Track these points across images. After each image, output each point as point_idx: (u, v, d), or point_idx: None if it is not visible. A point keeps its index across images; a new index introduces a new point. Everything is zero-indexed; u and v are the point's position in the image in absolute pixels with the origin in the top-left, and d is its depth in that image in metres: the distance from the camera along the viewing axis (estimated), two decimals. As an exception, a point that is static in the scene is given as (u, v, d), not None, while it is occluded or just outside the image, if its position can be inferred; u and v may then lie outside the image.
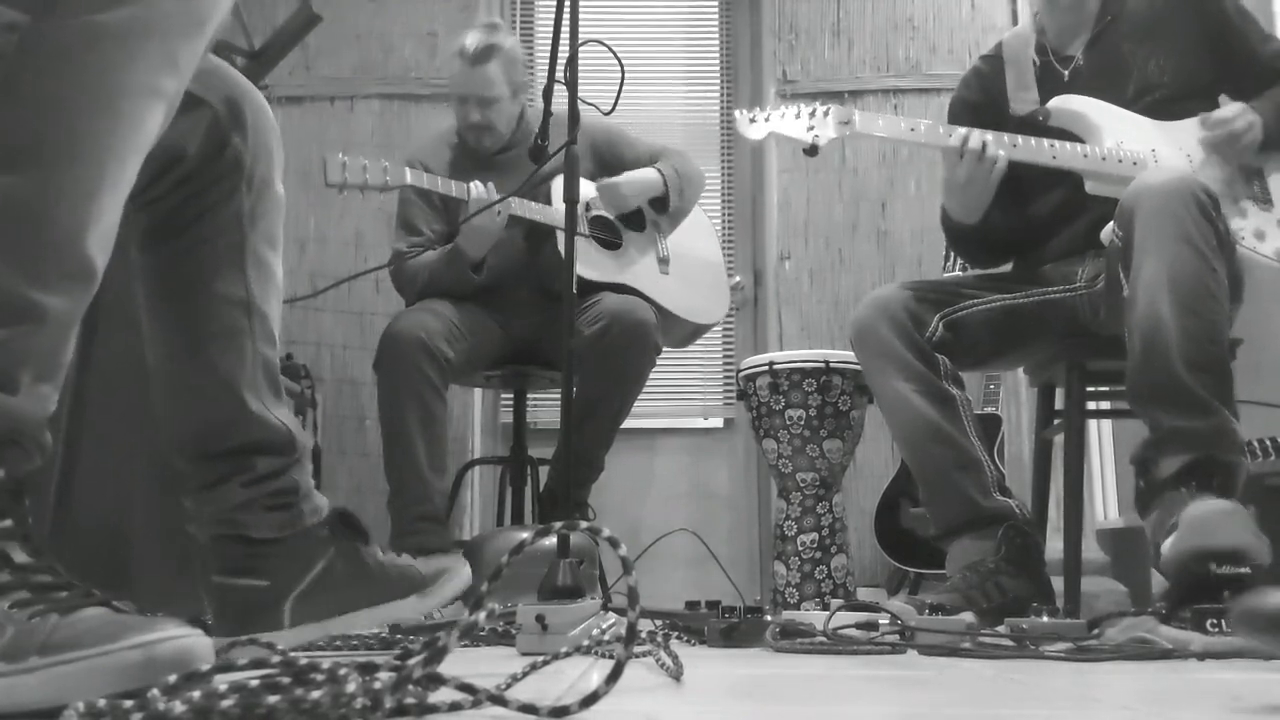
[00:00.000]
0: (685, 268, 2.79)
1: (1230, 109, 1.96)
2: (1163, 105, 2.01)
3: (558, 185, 2.63)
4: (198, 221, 1.22)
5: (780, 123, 1.94)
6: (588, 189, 2.66)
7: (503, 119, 2.68)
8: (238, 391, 1.25)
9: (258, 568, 1.28)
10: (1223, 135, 1.94)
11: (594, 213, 2.69)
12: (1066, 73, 2.11)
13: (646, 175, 2.71)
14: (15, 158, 0.81)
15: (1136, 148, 1.95)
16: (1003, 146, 1.94)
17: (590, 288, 2.55)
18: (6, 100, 0.80)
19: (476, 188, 2.49)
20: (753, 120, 1.96)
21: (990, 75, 2.21)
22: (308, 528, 1.31)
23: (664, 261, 2.75)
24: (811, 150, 1.91)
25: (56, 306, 0.83)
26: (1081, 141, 1.97)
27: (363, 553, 1.33)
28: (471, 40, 2.63)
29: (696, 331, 2.84)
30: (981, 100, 2.20)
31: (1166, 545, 1.54)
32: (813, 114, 1.92)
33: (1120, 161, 1.93)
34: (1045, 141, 1.96)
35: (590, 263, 2.60)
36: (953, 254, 3.05)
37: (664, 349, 2.62)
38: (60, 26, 0.82)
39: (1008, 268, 2.24)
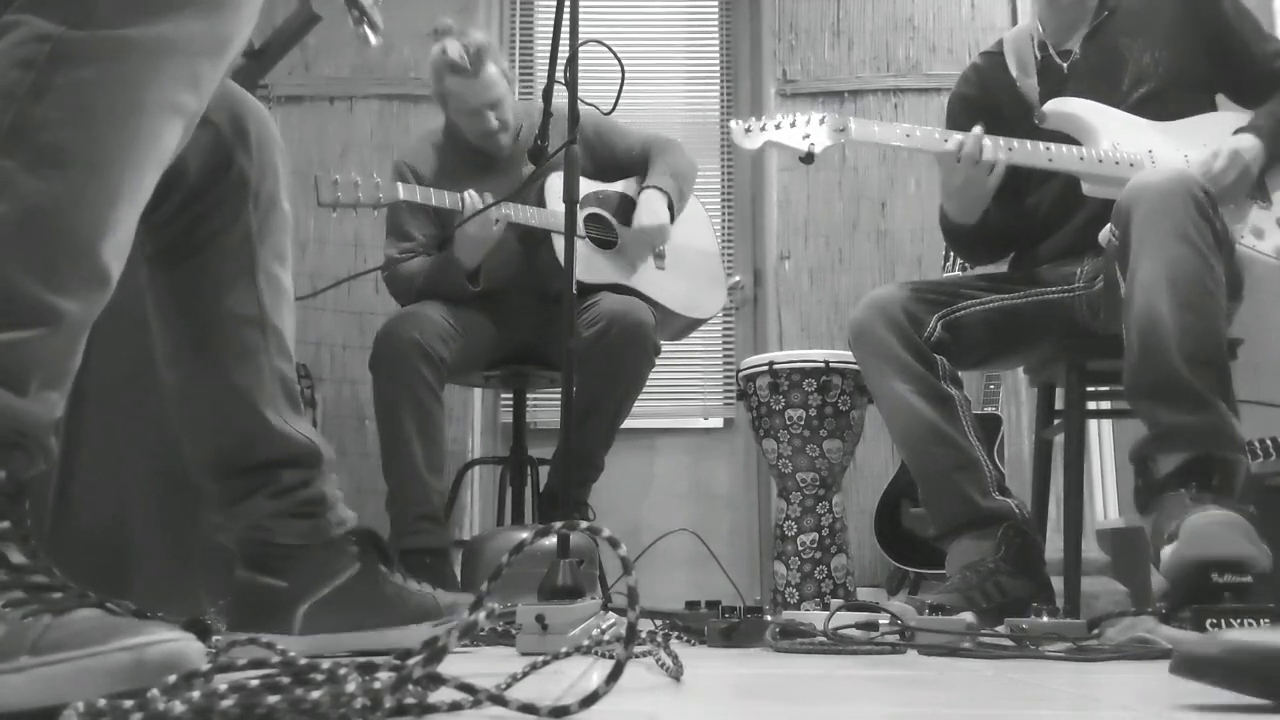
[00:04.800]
0: (682, 261, 2.77)
1: (1212, 155, 1.88)
2: (1157, 97, 2.01)
3: (551, 186, 2.62)
4: (208, 244, 1.23)
5: (776, 133, 1.95)
6: (583, 186, 2.63)
7: (510, 112, 2.65)
8: (258, 409, 1.26)
9: (279, 569, 1.30)
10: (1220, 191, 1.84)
11: (588, 210, 2.67)
12: (1066, 65, 2.12)
13: (656, 203, 2.65)
14: (41, 165, 0.82)
15: (1133, 149, 1.95)
16: (1000, 151, 1.94)
17: (589, 289, 2.54)
18: (35, 108, 0.81)
19: (470, 197, 2.46)
20: (748, 130, 1.97)
21: (990, 71, 2.22)
22: (334, 539, 1.33)
23: (660, 257, 2.74)
24: (808, 158, 1.92)
25: (71, 312, 0.84)
26: (1078, 144, 1.98)
27: (385, 575, 1.35)
28: (454, 50, 2.53)
29: (693, 324, 2.83)
30: (980, 96, 2.20)
31: (1166, 553, 1.53)
32: (808, 122, 1.93)
33: (1117, 163, 1.93)
34: (1041, 144, 1.96)
35: (587, 265, 2.58)
36: (952, 254, 3.06)
37: (663, 349, 2.61)
38: (91, 39, 0.83)
39: (1005, 268, 2.24)
